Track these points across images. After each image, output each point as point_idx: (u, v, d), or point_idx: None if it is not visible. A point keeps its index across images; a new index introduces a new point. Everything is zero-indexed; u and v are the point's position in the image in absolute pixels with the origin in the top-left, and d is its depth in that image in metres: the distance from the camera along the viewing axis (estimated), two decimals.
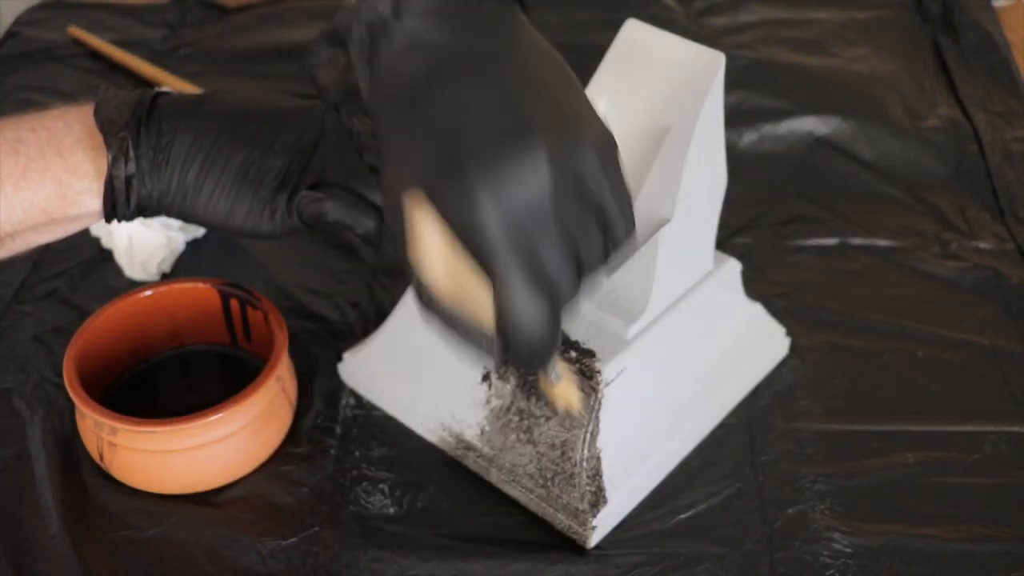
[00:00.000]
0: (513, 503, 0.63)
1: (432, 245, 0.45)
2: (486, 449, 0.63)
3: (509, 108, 0.46)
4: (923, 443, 0.66)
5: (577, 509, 0.60)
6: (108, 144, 0.57)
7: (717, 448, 0.66)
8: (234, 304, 0.68)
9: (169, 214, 0.60)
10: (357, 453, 0.66)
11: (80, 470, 0.64)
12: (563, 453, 0.60)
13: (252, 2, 1.09)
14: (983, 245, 0.81)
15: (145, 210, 0.60)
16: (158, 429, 0.60)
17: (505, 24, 0.49)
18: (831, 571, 0.60)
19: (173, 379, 0.70)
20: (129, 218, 0.59)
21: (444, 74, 0.47)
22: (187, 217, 0.61)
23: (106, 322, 0.66)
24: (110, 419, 0.60)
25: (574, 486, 0.60)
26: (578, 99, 0.49)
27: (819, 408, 0.69)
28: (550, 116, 0.46)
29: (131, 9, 1.07)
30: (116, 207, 0.58)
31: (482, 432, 0.63)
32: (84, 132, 0.58)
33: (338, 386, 0.70)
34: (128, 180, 0.57)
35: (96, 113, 0.58)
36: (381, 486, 0.64)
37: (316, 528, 0.61)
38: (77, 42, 1.02)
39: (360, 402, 0.69)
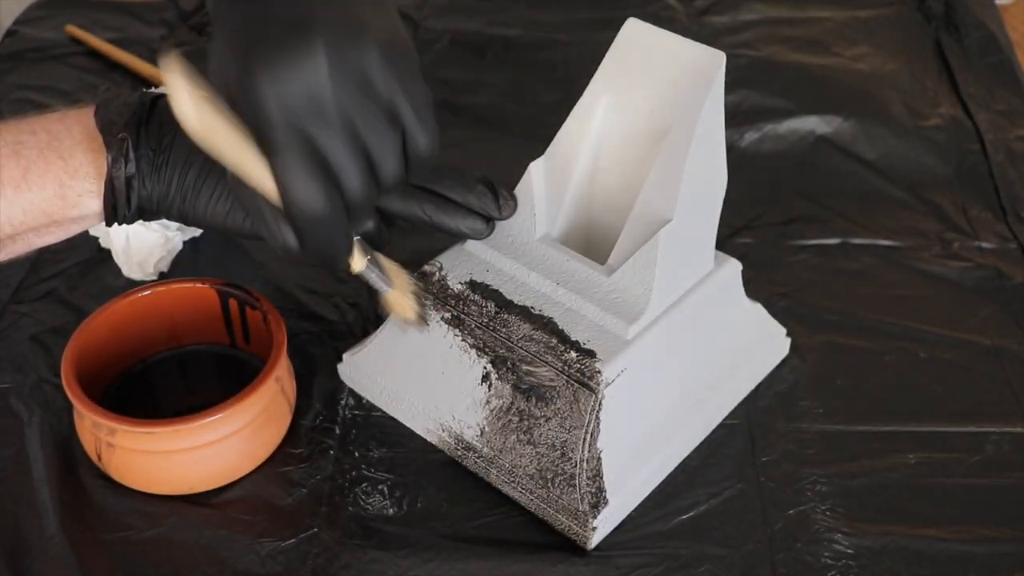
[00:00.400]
0: (513, 503, 0.63)
1: (183, 103, 0.49)
2: (486, 450, 0.63)
3: (298, 5, 0.50)
4: (924, 444, 0.66)
5: (577, 510, 0.60)
6: (108, 145, 0.57)
7: (718, 448, 0.66)
8: (233, 304, 0.67)
9: (169, 216, 0.60)
10: (356, 454, 0.65)
11: (78, 471, 0.64)
12: (563, 454, 0.60)
13: None
14: (985, 245, 0.81)
15: (145, 212, 0.60)
16: (156, 430, 0.60)
17: None
18: (832, 572, 0.59)
19: (171, 380, 0.69)
20: (130, 220, 0.59)
21: None
22: (187, 219, 0.60)
23: (104, 322, 0.65)
24: (108, 420, 0.60)
25: (574, 487, 0.59)
26: (379, 10, 0.52)
27: (820, 408, 0.68)
28: (334, 16, 0.49)
29: (129, 8, 1.06)
30: (117, 209, 0.58)
31: (482, 433, 0.63)
32: (84, 134, 0.58)
33: (337, 386, 0.69)
34: (128, 181, 0.57)
35: (96, 115, 0.58)
36: (380, 487, 0.64)
37: (315, 529, 0.61)
38: (75, 41, 1.02)
39: (359, 402, 0.68)
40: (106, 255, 0.78)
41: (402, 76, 0.51)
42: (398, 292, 0.60)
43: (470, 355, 0.62)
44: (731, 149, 0.85)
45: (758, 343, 0.70)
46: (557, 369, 0.59)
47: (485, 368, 0.62)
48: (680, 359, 0.64)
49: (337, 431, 0.67)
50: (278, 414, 0.64)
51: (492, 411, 0.62)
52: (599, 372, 0.58)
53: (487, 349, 0.62)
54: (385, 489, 0.63)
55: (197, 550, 0.60)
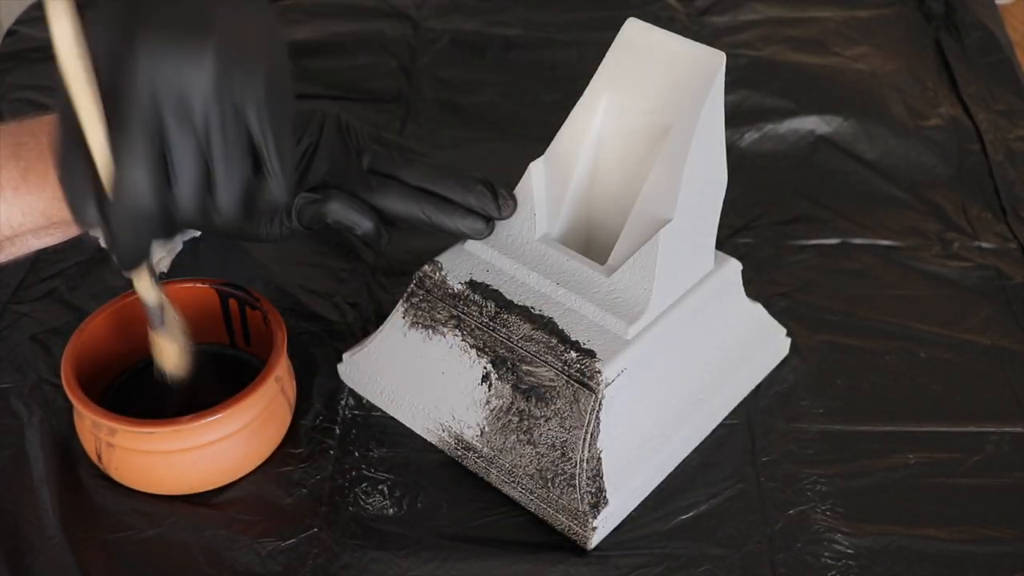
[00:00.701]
0: (513, 503, 0.63)
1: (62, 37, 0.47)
2: (486, 450, 0.63)
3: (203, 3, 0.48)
4: (925, 444, 0.66)
5: (577, 510, 0.60)
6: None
7: (718, 448, 0.66)
8: (233, 304, 0.67)
9: None
10: (356, 454, 0.65)
11: (78, 471, 0.64)
12: (563, 454, 0.60)
13: None
14: (985, 245, 0.81)
15: None
16: (156, 430, 0.60)
17: None
18: (832, 572, 0.59)
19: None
20: None
21: None
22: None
23: (104, 322, 0.65)
24: (108, 420, 0.60)
25: (574, 487, 0.59)
26: (276, 49, 0.51)
27: (820, 408, 0.68)
28: (232, 29, 0.48)
29: None
30: None
31: (482, 433, 0.63)
32: None
33: (337, 386, 0.69)
34: None
35: None
36: (380, 487, 0.64)
37: (315, 529, 0.61)
38: None
39: (359, 403, 0.68)
40: (106, 255, 0.78)
41: (276, 120, 0.50)
42: (168, 335, 0.59)
43: (470, 355, 0.62)
44: (731, 149, 0.85)
45: (758, 343, 0.70)
46: (557, 369, 0.59)
47: (485, 368, 0.62)
48: (680, 359, 0.64)
49: (337, 431, 0.67)
50: (278, 414, 0.64)
51: (492, 411, 0.62)
52: (599, 372, 0.58)
53: (487, 349, 0.62)
54: (385, 489, 0.63)
55: (197, 550, 0.60)
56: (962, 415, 0.68)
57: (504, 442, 0.62)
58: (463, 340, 0.63)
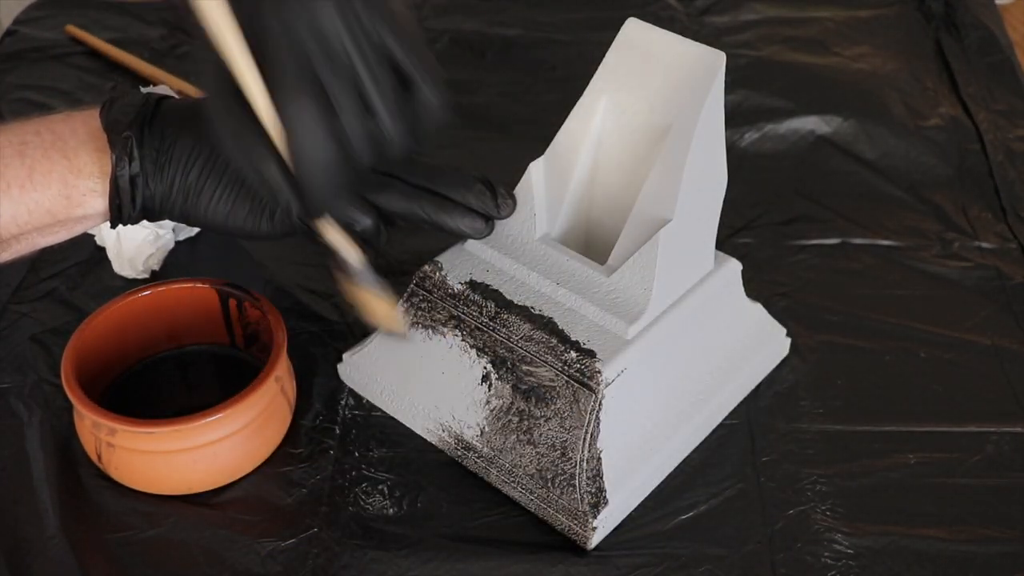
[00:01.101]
0: (513, 503, 0.63)
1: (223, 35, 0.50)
2: (486, 450, 0.63)
3: None
4: (925, 444, 0.66)
5: (577, 510, 0.60)
6: (112, 144, 0.57)
7: (718, 449, 0.66)
8: (233, 304, 0.67)
9: (172, 216, 0.61)
10: (356, 454, 0.65)
11: (78, 471, 0.64)
12: (563, 454, 0.60)
13: None
14: (985, 245, 0.81)
15: (149, 212, 0.60)
16: (156, 430, 0.60)
17: None
18: (832, 572, 0.59)
19: (172, 380, 0.69)
20: (135, 220, 0.60)
21: None
22: (189, 219, 0.61)
23: (104, 322, 0.65)
24: (108, 419, 0.60)
25: (574, 487, 0.59)
26: None
27: (820, 408, 0.68)
28: None
29: (129, 8, 1.06)
30: (122, 208, 0.58)
31: (482, 433, 0.63)
32: (89, 135, 0.58)
33: (337, 387, 0.69)
34: (132, 181, 0.58)
35: (101, 115, 0.58)
36: (380, 487, 0.64)
37: (315, 529, 0.61)
38: (75, 41, 1.02)
39: (359, 403, 0.68)
40: (105, 255, 0.77)
41: (410, 36, 0.52)
42: (386, 302, 0.59)
43: (470, 355, 0.62)
44: (731, 149, 0.85)
45: (758, 343, 0.70)
46: (557, 369, 0.59)
47: (485, 368, 0.62)
48: (680, 359, 0.64)
49: (337, 431, 0.67)
50: (278, 414, 0.64)
51: (492, 411, 0.62)
52: (599, 372, 0.58)
53: (487, 349, 0.62)
54: (385, 489, 0.63)
55: (197, 550, 0.60)
56: (962, 415, 0.68)
57: (504, 442, 0.62)
58: (463, 340, 0.63)
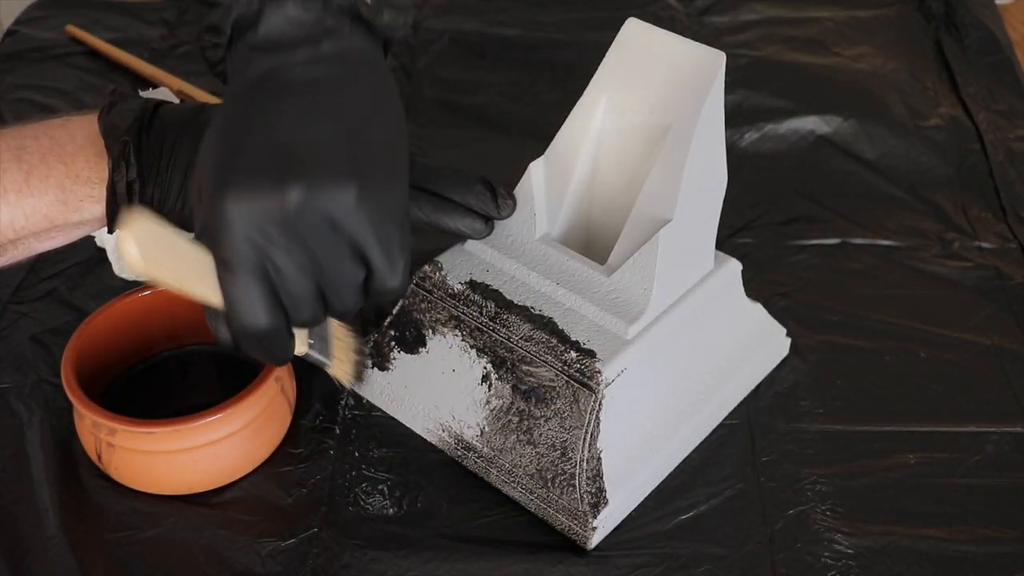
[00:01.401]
0: (513, 503, 0.63)
1: (128, 251, 0.49)
2: (486, 450, 0.63)
3: (286, 139, 0.49)
4: (925, 444, 0.66)
5: (577, 510, 0.60)
6: (109, 149, 0.57)
7: (718, 449, 0.66)
8: None
9: (170, 221, 0.60)
10: (356, 454, 0.65)
11: (78, 471, 0.64)
12: (563, 454, 0.60)
13: None
14: (985, 245, 0.81)
15: None
16: (156, 430, 0.60)
17: (353, 55, 0.53)
18: (832, 572, 0.59)
19: (172, 380, 0.69)
20: None
21: (267, 85, 0.51)
22: (187, 225, 0.60)
23: (104, 322, 0.65)
24: (108, 420, 0.60)
25: (574, 487, 0.59)
26: (372, 131, 0.51)
27: (820, 408, 0.68)
28: (316, 151, 0.49)
29: (129, 7, 1.07)
30: (119, 213, 0.58)
31: (482, 433, 0.63)
32: (87, 139, 0.58)
33: (337, 387, 0.69)
34: (129, 186, 0.57)
35: (99, 120, 0.58)
36: (380, 487, 0.64)
37: (315, 529, 0.61)
38: (75, 41, 1.02)
39: (359, 403, 0.68)
40: (106, 255, 0.78)
41: (376, 217, 0.49)
42: (338, 361, 0.58)
43: (470, 355, 0.62)
44: (731, 149, 0.85)
45: (758, 343, 0.70)
46: (557, 369, 0.59)
47: (485, 368, 0.62)
48: (680, 359, 0.64)
49: (337, 431, 0.67)
50: (278, 414, 0.64)
51: (492, 411, 0.62)
52: (599, 372, 0.58)
53: (487, 349, 0.62)
54: (385, 489, 0.63)
55: (197, 550, 0.60)
56: (962, 415, 0.68)
57: (504, 442, 0.62)
58: (463, 340, 0.63)
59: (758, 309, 0.70)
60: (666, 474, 0.64)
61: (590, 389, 0.59)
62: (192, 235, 0.51)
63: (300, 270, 0.49)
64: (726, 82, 0.60)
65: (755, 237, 0.81)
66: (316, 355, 0.56)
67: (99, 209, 0.58)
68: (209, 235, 0.49)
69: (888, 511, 0.63)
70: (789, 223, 0.83)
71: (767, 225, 0.82)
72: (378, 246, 0.50)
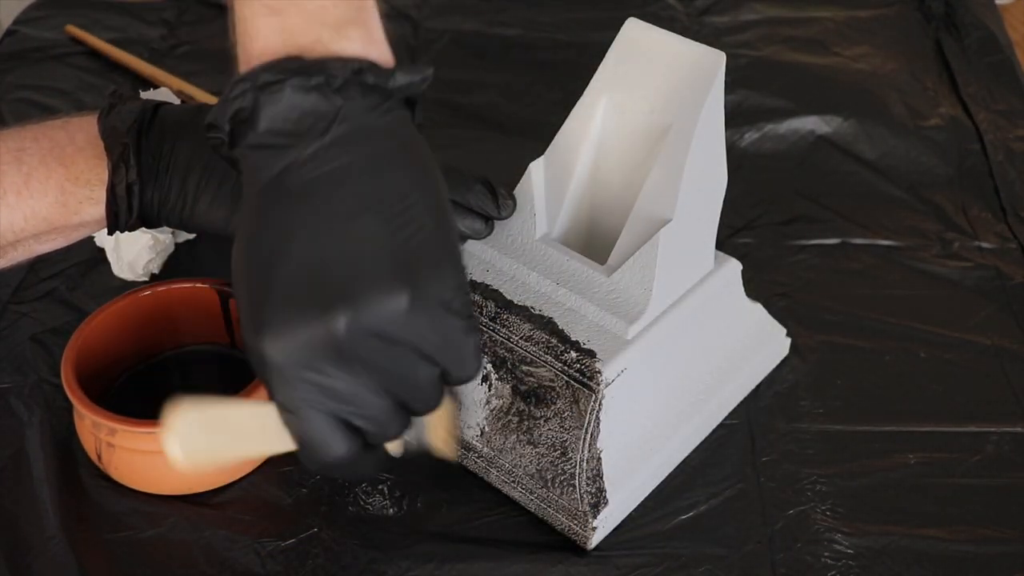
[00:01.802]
0: (513, 503, 0.63)
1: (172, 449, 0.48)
2: (486, 450, 0.63)
3: (315, 256, 0.45)
4: (925, 444, 0.66)
5: (577, 510, 0.60)
6: (109, 152, 0.57)
7: (718, 449, 0.66)
8: (233, 304, 0.67)
9: (170, 223, 0.60)
10: None
11: (78, 471, 0.64)
12: (563, 454, 0.60)
13: None
14: (985, 245, 0.81)
15: (147, 219, 0.60)
16: (156, 430, 0.59)
17: (370, 133, 0.47)
18: (832, 572, 0.59)
19: (172, 380, 0.69)
20: (132, 227, 0.60)
21: (280, 194, 0.46)
22: (188, 226, 0.60)
23: (104, 322, 0.65)
24: (108, 420, 0.60)
25: (574, 487, 0.59)
26: (434, 226, 0.46)
27: (820, 408, 0.68)
28: (358, 266, 0.45)
29: (129, 7, 1.06)
30: (118, 216, 0.58)
31: (482, 433, 0.63)
32: (87, 141, 0.58)
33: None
34: (129, 188, 0.57)
35: (99, 122, 0.58)
36: (380, 486, 0.63)
37: (315, 529, 0.61)
38: (75, 41, 1.02)
39: None
40: (105, 255, 0.77)
41: (434, 315, 0.45)
42: (439, 441, 0.55)
43: None
44: (731, 149, 0.84)
45: (758, 343, 0.70)
46: (557, 369, 0.59)
47: (485, 368, 0.62)
48: (680, 359, 0.64)
49: None
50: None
51: (492, 411, 0.62)
52: (599, 372, 0.58)
53: (487, 350, 0.62)
54: (385, 489, 0.63)
55: (197, 550, 0.60)
56: (962, 415, 0.68)
57: (504, 442, 0.62)
58: None
59: (758, 309, 0.70)
60: (666, 474, 0.64)
61: (590, 389, 0.59)
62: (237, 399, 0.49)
63: (369, 391, 0.46)
64: (726, 82, 0.60)
65: (755, 237, 0.81)
66: (415, 445, 0.53)
67: (99, 211, 0.58)
68: (263, 379, 0.46)
69: (888, 511, 0.63)
70: (789, 223, 0.83)
71: (767, 225, 0.82)
72: (443, 345, 0.46)
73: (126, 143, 0.57)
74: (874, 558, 0.60)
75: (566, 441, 0.60)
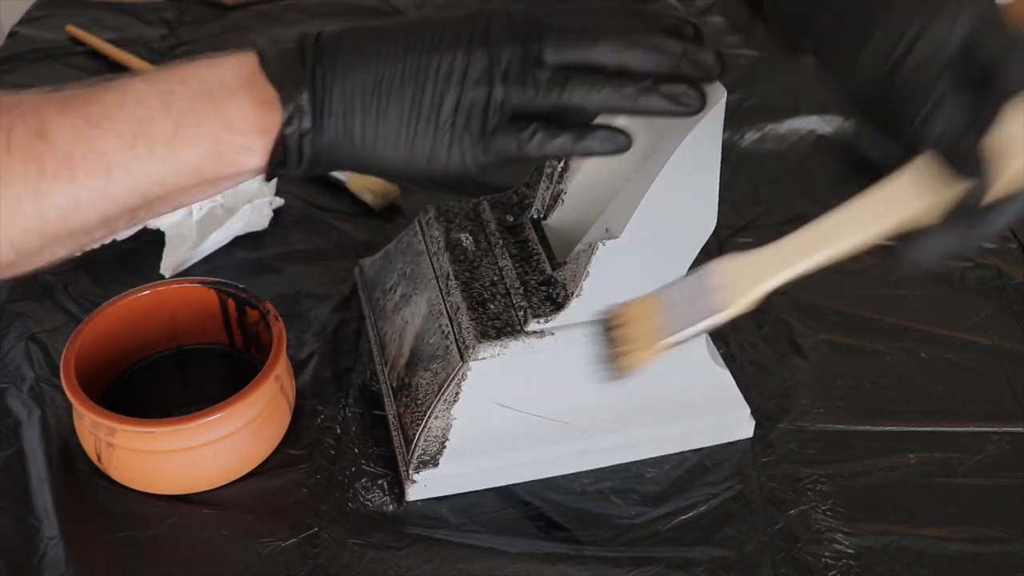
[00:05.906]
0: (515, 503, 0.63)
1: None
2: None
3: None
4: (926, 443, 0.66)
5: (409, 457, 0.62)
6: (283, 98, 0.51)
7: (718, 449, 0.66)
8: (232, 304, 0.67)
9: (342, 165, 0.54)
10: (356, 452, 0.65)
11: (78, 471, 0.64)
12: (423, 403, 0.63)
13: (251, 0, 1.09)
14: (985, 244, 0.81)
15: (315, 164, 0.53)
16: (156, 429, 0.60)
17: None
18: (833, 572, 0.59)
19: (171, 379, 0.69)
20: (299, 175, 0.54)
21: None
22: (362, 166, 0.54)
23: (104, 322, 0.65)
24: (108, 419, 0.60)
25: (416, 433, 0.62)
26: None
27: (821, 408, 0.68)
28: None
29: (129, 7, 1.07)
30: (287, 164, 0.53)
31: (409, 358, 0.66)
32: (239, 82, 0.52)
33: (338, 386, 0.69)
34: (301, 137, 0.52)
35: (264, 64, 0.52)
36: (380, 482, 0.64)
37: (315, 528, 0.61)
38: (75, 41, 1.02)
39: (359, 402, 0.68)
40: (104, 254, 0.77)
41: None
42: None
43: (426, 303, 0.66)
44: (732, 148, 0.85)
45: (709, 410, 0.65)
46: (456, 331, 0.61)
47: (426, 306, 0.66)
48: (583, 378, 0.57)
49: (337, 430, 0.67)
50: (277, 414, 0.64)
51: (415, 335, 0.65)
52: (476, 346, 0.59)
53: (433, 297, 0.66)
54: (385, 485, 0.63)
55: (197, 550, 0.60)
56: (963, 415, 0.68)
57: (416, 370, 0.65)
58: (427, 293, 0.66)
59: (723, 375, 0.66)
60: (535, 477, 0.64)
61: (462, 358, 0.60)
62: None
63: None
64: (726, 82, 0.59)
65: (755, 237, 0.81)
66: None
67: (254, 161, 0.52)
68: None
69: (889, 511, 0.63)
70: (789, 223, 0.82)
71: (767, 225, 0.82)
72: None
73: (301, 88, 0.51)
74: (874, 558, 0.60)
75: (429, 391, 0.62)
